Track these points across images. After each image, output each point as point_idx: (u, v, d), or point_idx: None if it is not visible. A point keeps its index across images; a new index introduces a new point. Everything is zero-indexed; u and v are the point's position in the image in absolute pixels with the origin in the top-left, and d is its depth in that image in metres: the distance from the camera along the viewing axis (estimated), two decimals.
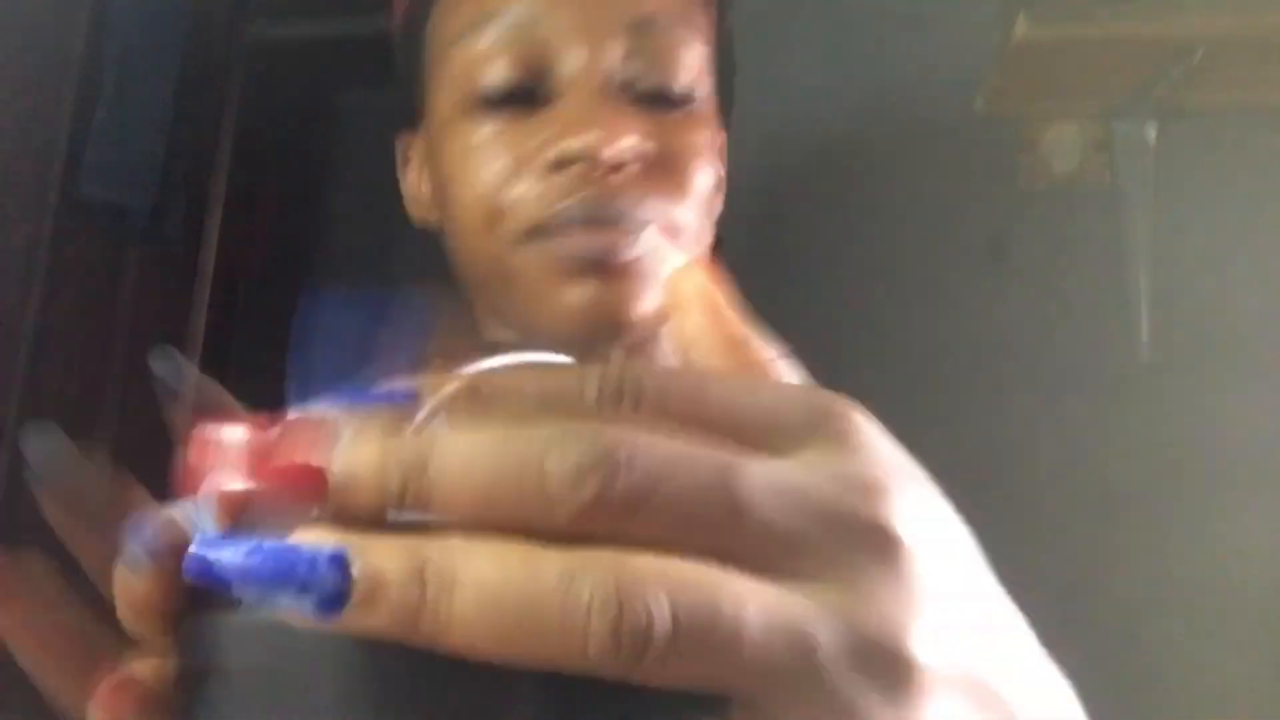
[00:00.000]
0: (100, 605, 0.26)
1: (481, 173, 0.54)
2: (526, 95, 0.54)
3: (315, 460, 0.19)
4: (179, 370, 0.26)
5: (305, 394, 0.21)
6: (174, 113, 1.85)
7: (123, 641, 0.24)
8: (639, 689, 0.17)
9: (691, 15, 0.56)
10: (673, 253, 0.53)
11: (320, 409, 0.20)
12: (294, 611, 0.18)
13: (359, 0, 2.17)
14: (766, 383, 0.24)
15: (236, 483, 0.21)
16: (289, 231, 2.47)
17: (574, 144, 0.51)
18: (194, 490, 0.22)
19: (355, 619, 0.17)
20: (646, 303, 0.54)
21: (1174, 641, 1.64)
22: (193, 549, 0.20)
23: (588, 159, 0.51)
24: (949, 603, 0.22)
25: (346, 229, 2.46)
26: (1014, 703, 0.23)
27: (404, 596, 0.17)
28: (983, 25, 1.81)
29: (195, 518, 0.22)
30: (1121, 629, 1.64)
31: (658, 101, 0.54)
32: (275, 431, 0.20)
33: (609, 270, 0.52)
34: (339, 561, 0.17)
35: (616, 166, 0.52)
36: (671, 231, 0.54)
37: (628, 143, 0.52)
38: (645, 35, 0.53)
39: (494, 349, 0.26)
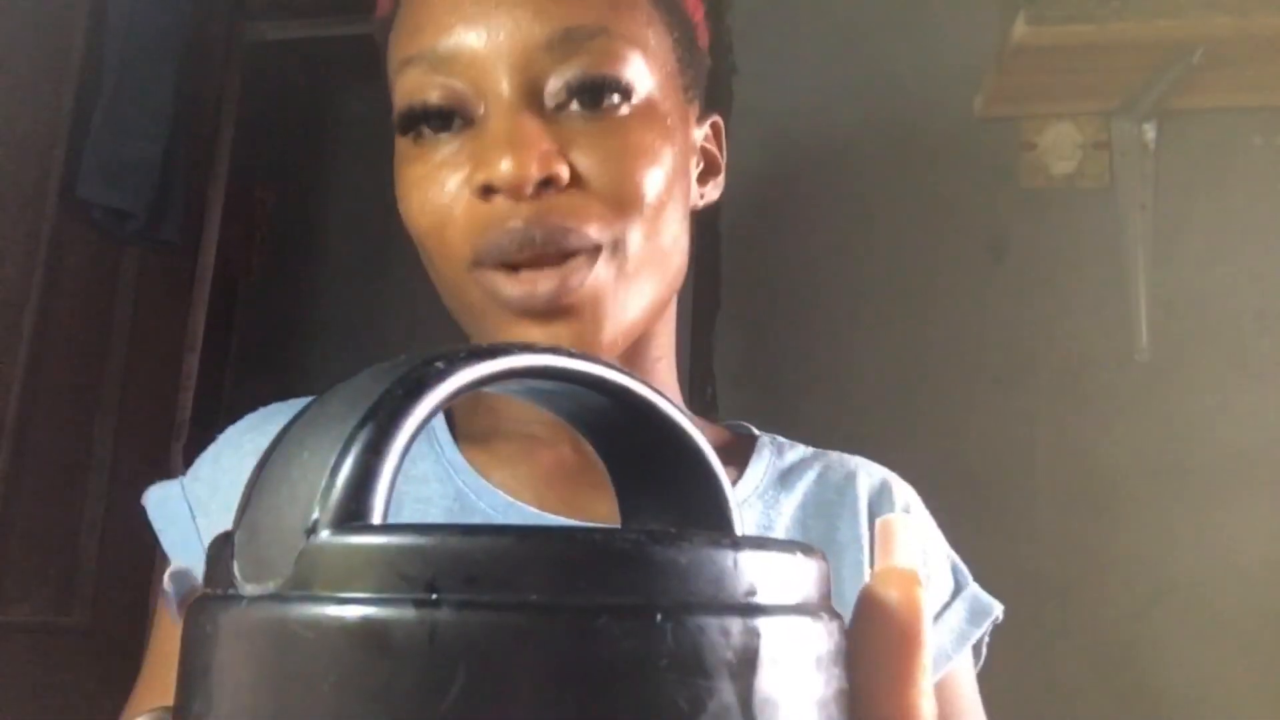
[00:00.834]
0: None
1: (425, 203, 0.55)
2: (462, 122, 0.54)
3: None
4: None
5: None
6: (173, 113, 1.86)
7: None
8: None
9: (621, 16, 0.55)
10: (621, 278, 0.54)
11: None
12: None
13: (358, 1, 2.17)
14: None
15: None
16: (289, 231, 2.48)
17: (491, 173, 0.51)
18: None
19: None
20: (609, 335, 0.54)
21: (1174, 641, 1.64)
22: None
23: (505, 187, 0.51)
24: None
25: (346, 229, 2.46)
26: None
27: None
28: (982, 26, 1.82)
29: None
30: (1121, 629, 1.65)
31: (590, 111, 0.54)
32: None
33: (552, 312, 0.52)
34: None
35: (534, 193, 0.52)
36: (616, 248, 0.53)
37: (533, 164, 0.51)
38: (567, 48, 0.53)
39: None
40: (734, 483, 0.63)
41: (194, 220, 2.04)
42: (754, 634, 0.20)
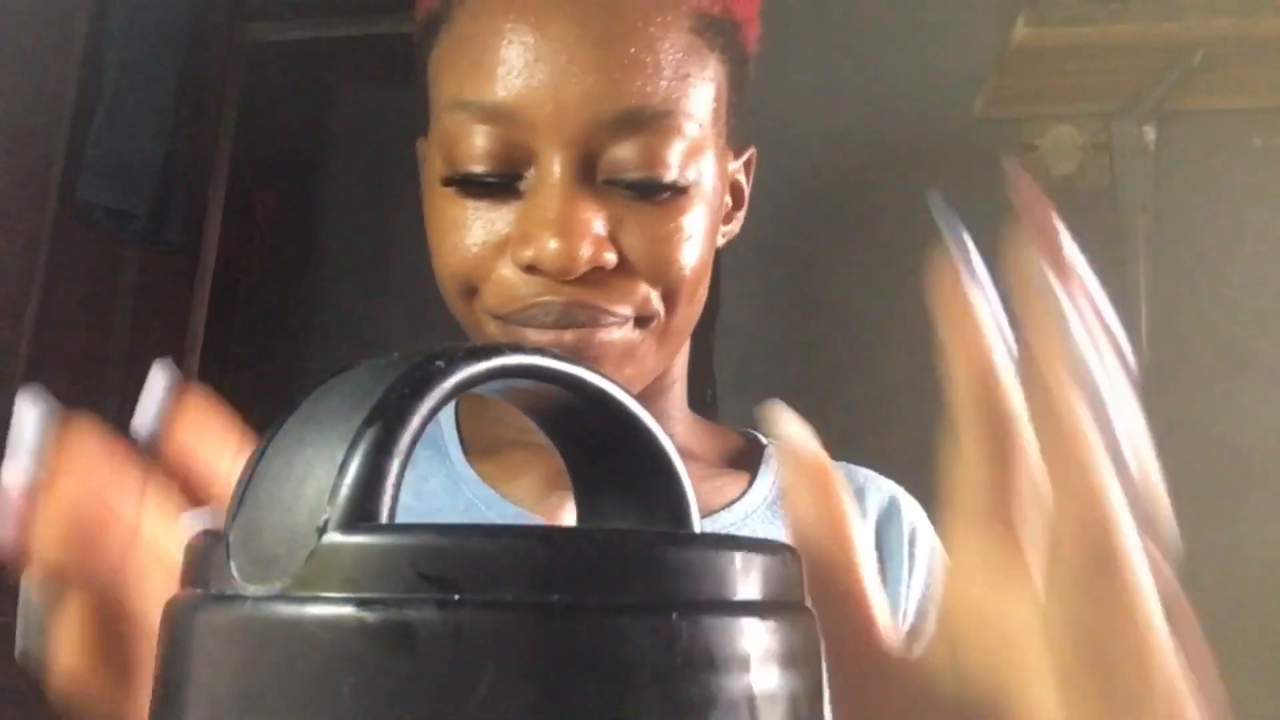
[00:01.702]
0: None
1: (459, 250, 0.53)
2: (507, 180, 0.52)
3: None
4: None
5: None
6: (174, 114, 1.86)
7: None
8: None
9: (689, 89, 0.52)
10: (652, 345, 0.54)
11: None
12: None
13: (358, 1, 2.17)
14: None
15: None
16: (289, 231, 2.48)
17: (540, 255, 0.50)
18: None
19: None
20: (633, 374, 0.55)
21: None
22: None
23: (552, 272, 0.50)
24: None
25: (346, 229, 2.46)
26: None
27: None
28: (983, 28, 1.82)
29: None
30: None
31: (643, 192, 0.52)
32: None
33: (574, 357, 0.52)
34: None
35: (578, 277, 0.51)
36: (653, 320, 0.54)
37: (584, 254, 0.50)
38: (629, 129, 0.50)
39: None
40: (742, 494, 0.63)
41: (194, 221, 2.04)
42: (753, 631, 0.20)
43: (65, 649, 0.31)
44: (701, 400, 1.85)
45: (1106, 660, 0.24)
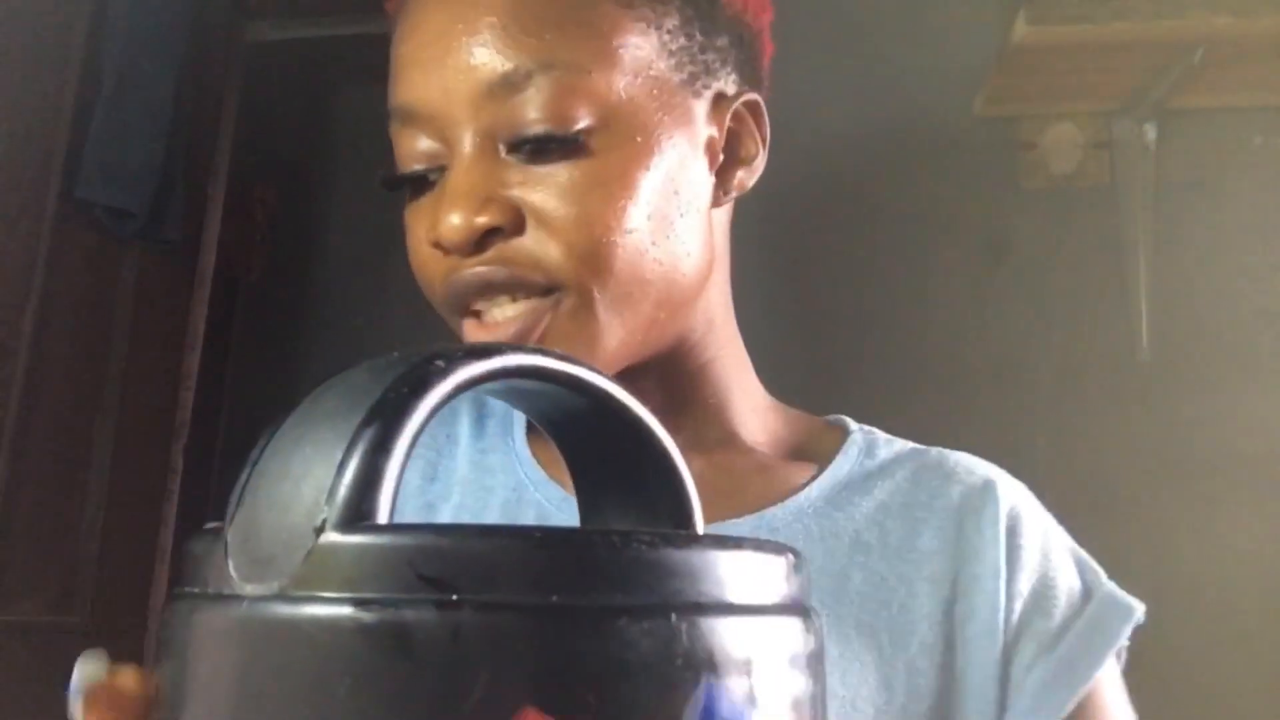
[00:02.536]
0: None
1: (410, 250, 0.56)
2: (435, 173, 0.54)
3: None
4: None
5: None
6: (173, 113, 1.85)
7: None
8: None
9: (568, 40, 0.52)
10: (588, 317, 0.52)
11: None
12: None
13: (358, 0, 2.17)
14: None
15: None
16: (289, 230, 2.47)
17: (438, 231, 0.52)
18: None
19: None
20: (591, 353, 0.52)
21: (1174, 641, 1.64)
22: None
23: (449, 246, 0.52)
24: None
25: (346, 229, 2.46)
26: None
27: None
28: (983, 26, 1.82)
29: None
30: None
31: (541, 152, 0.51)
32: None
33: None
34: None
35: (483, 244, 0.51)
36: (581, 288, 0.52)
37: (471, 220, 0.50)
38: (508, 92, 0.51)
39: None
40: (808, 482, 0.60)
41: (194, 220, 2.04)
42: (755, 633, 0.20)
43: None
44: None
45: None
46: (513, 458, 0.62)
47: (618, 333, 0.53)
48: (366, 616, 0.19)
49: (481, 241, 0.51)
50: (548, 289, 0.52)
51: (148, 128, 1.81)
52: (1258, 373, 1.72)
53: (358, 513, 0.20)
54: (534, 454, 0.62)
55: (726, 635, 0.20)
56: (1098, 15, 1.59)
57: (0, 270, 1.68)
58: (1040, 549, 0.59)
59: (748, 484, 0.60)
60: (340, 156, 2.52)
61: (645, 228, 0.52)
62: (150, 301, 1.98)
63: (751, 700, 0.20)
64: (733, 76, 0.58)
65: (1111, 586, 0.60)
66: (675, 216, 0.54)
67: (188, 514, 1.99)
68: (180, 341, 2.06)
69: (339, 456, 0.20)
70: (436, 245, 0.52)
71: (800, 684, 0.22)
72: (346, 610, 0.19)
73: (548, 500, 0.60)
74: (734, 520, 0.58)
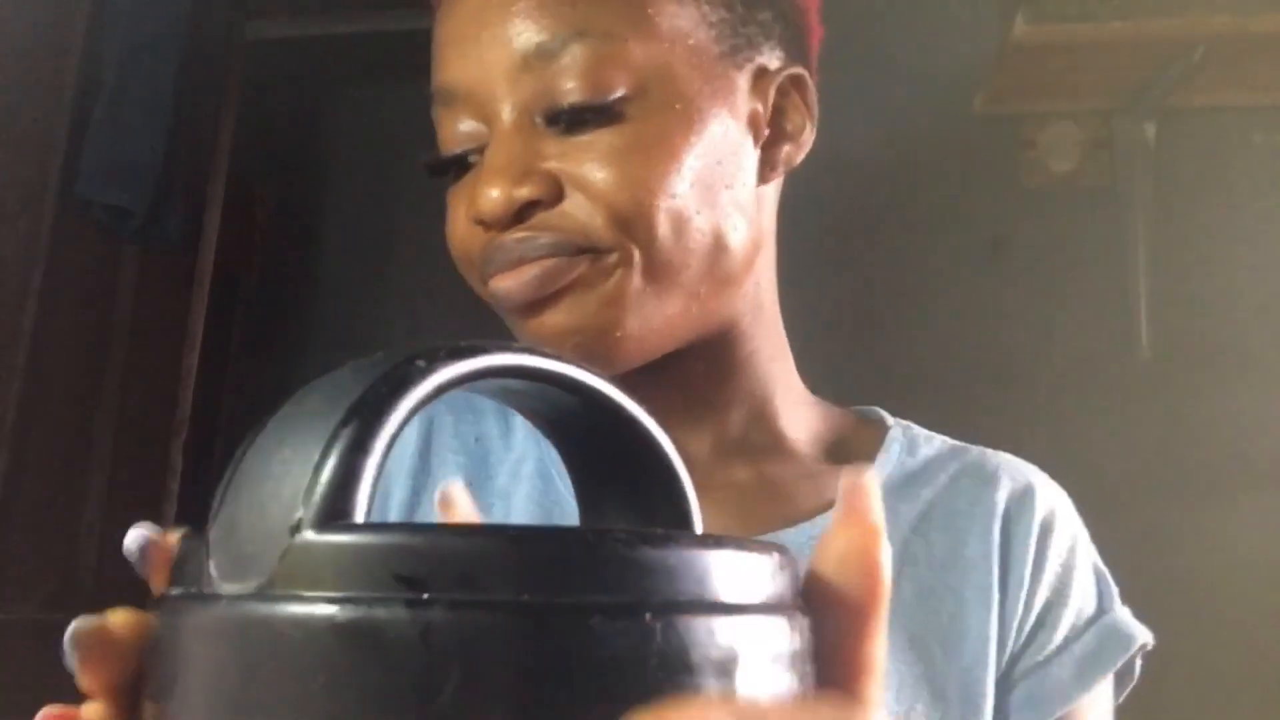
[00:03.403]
0: None
1: (451, 234, 0.56)
2: (477, 154, 0.54)
3: None
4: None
5: None
6: (173, 112, 1.86)
7: None
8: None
9: (604, 8, 0.52)
10: (635, 287, 0.51)
11: None
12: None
13: (358, 1, 2.17)
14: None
15: None
16: (288, 230, 2.48)
17: (478, 207, 0.52)
18: None
19: None
20: (628, 349, 0.52)
21: (1174, 641, 1.63)
22: None
23: (490, 220, 0.52)
24: None
25: (346, 229, 2.46)
26: None
27: None
28: (983, 25, 1.81)
29: None
30: None
31: (578, 120, 0.51)
32: None
33: (543, 300, 0.52)
34: None
35: (524, 217, 0.51)
36: (625, 256, 0.51)
37: (512, 193, 0.50)
38: (544, 64, 0.51)
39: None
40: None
41: (194, 219, 2.04)
42: (737, 633, 0.20)
43: None
44: None
45: None
46: (541, 443, 0.61)
47: (654, 301, 0.52)
48: (340, 615, 0.19)
49: (521, 213, 0.51)
50: (576, 251, 0.51)
51: (147, 126, 1.81)
52: (1258, 372, 1.72)
53: (334, 512, 0.20)
54: None
55: (704, 635, 0.20)
56: (1098, 14, 1.59)
57: (0, 268, 1.68)
58: (1063, 562, 0.59)
59: (796, 492, 0.59)
60: (340, 156, 2.52)
61: (688, 194, 0.52)
62: (150, 300, 1.99)
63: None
64: (777, 51, 0.57)
65: (1122, 614, 0.60)
66: (720, 188, 0.53)
67: (187, 513, 1.99)
68: (179, 340, 2.06)
69: (316, 456, 0.20)
70: (477, 220, 0.52)
71: (784, 685, 0.21)
72: (321, 609, 0.19)
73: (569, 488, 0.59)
74: (787, 530, 0.56)
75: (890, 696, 0.53)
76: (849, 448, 0.62)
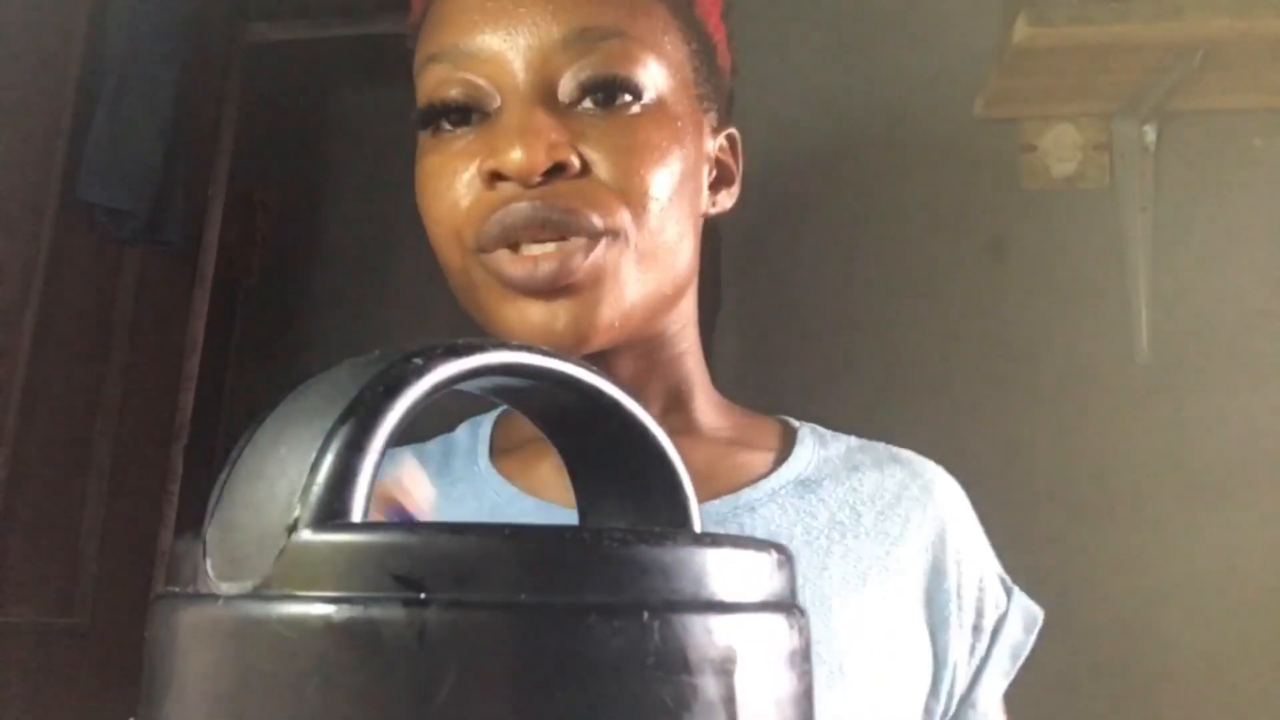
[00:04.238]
0: None
1: (438, 191, 0.56)
2: (479, 116, 0.56)
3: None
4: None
5: None
6: (173, 114, 1.86)
7: None
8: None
9: (638, 21, 0.57)
10: (621, 264, 0.54)
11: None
12: None
13: (357, 2, 2.17)
14: None
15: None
16: (289, 232, 2.48)
17: (501, 161, 0.53)
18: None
19: None
20: (606, 317, 0.55)
21: (1174, 642, 1.63)
22: None
23: (514, 174, 0.53)
24: None
25: (346, 229, 2.47)
26: None
27: None
28: (983, 27, 1.81)
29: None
30: (1121, 629, 1.64)
31: (602, 109, 0.56)
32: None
33: (553, 291, 0.54)
34: None
35: (542, 180, 0.53)
36: (618, 235, 0.55)
37: (544, 153, 0.53)
38: (582, 47, 0.55)
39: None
40: (770, 471, 0.63)
41: (194, 221, 2.04)
42: (735, 631, 0.20)
43: None
44: None
45: None
46: (481, 482, 0.63)
47: (640, 289, 0.56)
48: (336, 615, 0.19)
49: (547, 175, 0.53)
50: (594, 232, 0.54)
51: (148, 129, 1.81)
52: (1258, 373, 1.72)
53: (331, 511, 0.20)
54: (507, 475, 0.63)
55: (702, 633, 0.20)
56: (1098, 17, 1.59)
57: (0, 271, 1.68)
58: (978, 549, 0.65)
59: (716, 468, 0.63)
60: (340, 158, 2.52)
61: (670, 201, 0.57)
62: (150, 303, 1.99)
63: (730, 700, 0.20)
64: (718, 111, 0.65)
65: (1018, 591, 0.67)
66: (685, 204, 0.58)
67: (187, 516, 1.99)
68: (180, 343, 2.06)
69: (313, 455, 0.20)
70: (494, 175, 0.54)
71: (783, 683, 0.21)
72: (317, 609, 0.19)
73: (522, 514, 0.61)
74: (713, 502, 0.60)
75: (823, 648, 0.57)
76: (761, 442, 0.67)
